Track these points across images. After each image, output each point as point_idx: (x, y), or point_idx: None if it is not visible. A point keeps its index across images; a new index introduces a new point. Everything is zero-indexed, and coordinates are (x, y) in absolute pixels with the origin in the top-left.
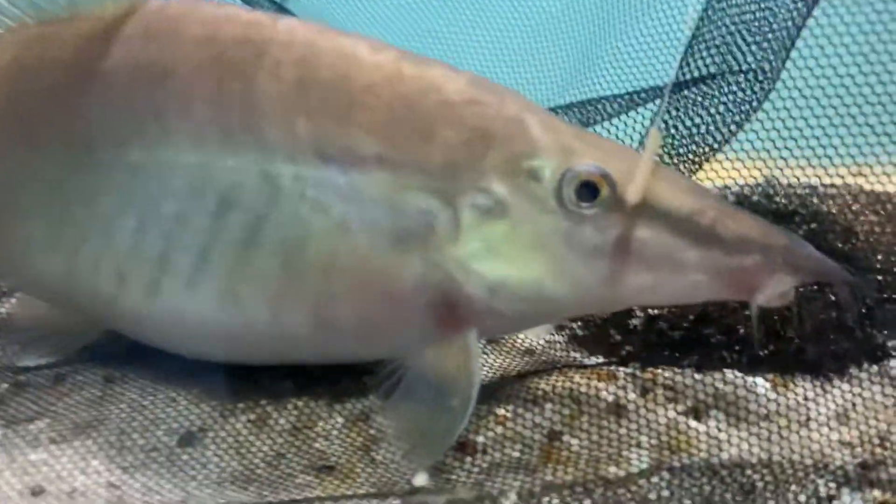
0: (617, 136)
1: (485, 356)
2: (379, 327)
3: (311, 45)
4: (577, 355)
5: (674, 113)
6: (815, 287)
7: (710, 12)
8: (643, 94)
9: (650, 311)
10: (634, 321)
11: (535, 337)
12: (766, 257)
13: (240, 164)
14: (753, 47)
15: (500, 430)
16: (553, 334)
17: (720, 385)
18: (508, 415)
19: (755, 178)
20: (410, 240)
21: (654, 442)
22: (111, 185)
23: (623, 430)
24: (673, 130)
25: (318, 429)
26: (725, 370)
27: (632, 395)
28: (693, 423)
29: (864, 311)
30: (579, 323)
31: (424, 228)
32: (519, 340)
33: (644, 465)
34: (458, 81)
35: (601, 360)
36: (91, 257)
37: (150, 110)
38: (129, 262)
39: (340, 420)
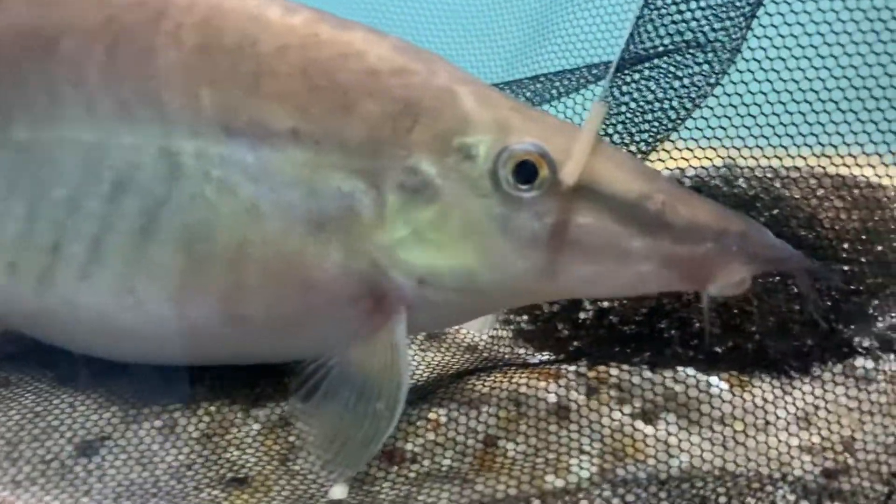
0: (568, 117)
1: (422, 353)
2: (296, 323)
3: (214, 6)
4: (523, 351)
5: (624, 90)
6: (777, 278)
7: None
8: (598, 70)
9: (600, 303)
10: (583, 315)
11: (478, 332)
12: (719, 245)
13: (136, 141)
14: (710, 19)
15: (431, 436)
16: (497, 329)
17: (673, 384)
18: (442, 419)
19: (713, 161)
20: (330, 225)
21: (598, 447)
22: None
23: (565, 435)
24: (623, 109)
25: (230, 436)
26: (680, 368)
27: (576, 396)
28: (642, 427)
29: (828, 304)
30: (526, 317)
31: (345, 212)
32: (461, 336)
33: (586, 474)
34: (382, 47)
35: (547, 357)
36: None
37: (37, 82)
38: (19, 250)
39: (256, 427)
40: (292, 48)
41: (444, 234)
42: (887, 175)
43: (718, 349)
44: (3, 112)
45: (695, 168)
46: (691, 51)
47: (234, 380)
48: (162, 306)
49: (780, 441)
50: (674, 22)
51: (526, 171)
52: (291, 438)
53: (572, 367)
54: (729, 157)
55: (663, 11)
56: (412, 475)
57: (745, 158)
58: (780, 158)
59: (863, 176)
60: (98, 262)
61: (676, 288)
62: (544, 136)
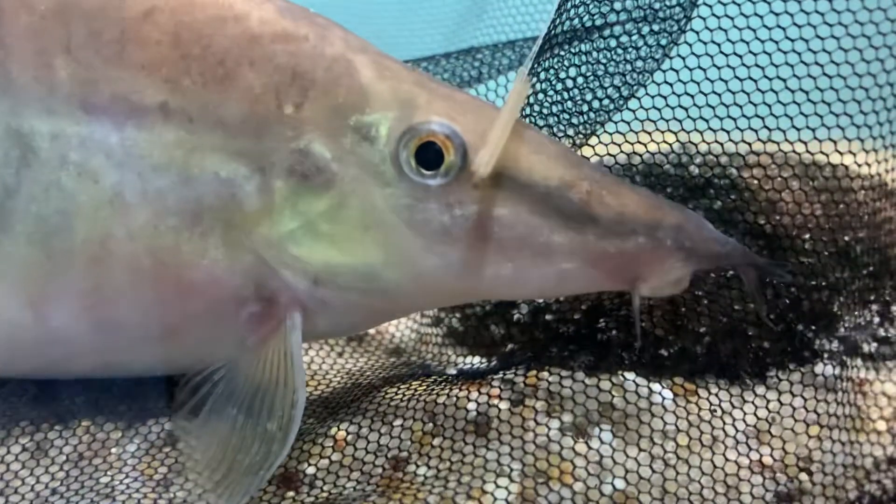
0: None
1: (337, 359)
2: (174, 330)
3: None
4: (453, 354)
5: (557, 68)
6: (731, 273)
7: None
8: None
9: (536, 301)
10: (518, 313)
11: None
12: (651, 239)
13: None
14: None
15: (336, 456)
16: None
17: (611, 393)
18: (348, 437)
19: (669, 144)
20: (208, 216)
21: (520, 467)
22: None
23: (483, 453)
24: (559, 88)
25: (109, 457)
26: (623, 374)
27: (501, 406)
28: (575, 443)
29: (787, 302)
30: (457, 315)
31: (225, 201)
32: (387, 337)
33: (506, 498)
34: (265, 9)
35: (477, 361)
36: None
37: None
38: None
39: (139, 445)
40: (161, 11)
41: (341, 226)
42: (854, 160)
43: (664, 352)
44: None
45: (641, 153)
46: (635, 24)
47: (113, 394)
48: (20, 312)
49: (728, 459)
50: None
51: (432, 156)
52: (174, 460)
53: (501, 373)
54: (689, 140)
55: None
56: (309, 502)
57: (699, 143)
58: (736, 143)
59: (827, 159)
60: None
61: (604, 287)
62: (453, 115)
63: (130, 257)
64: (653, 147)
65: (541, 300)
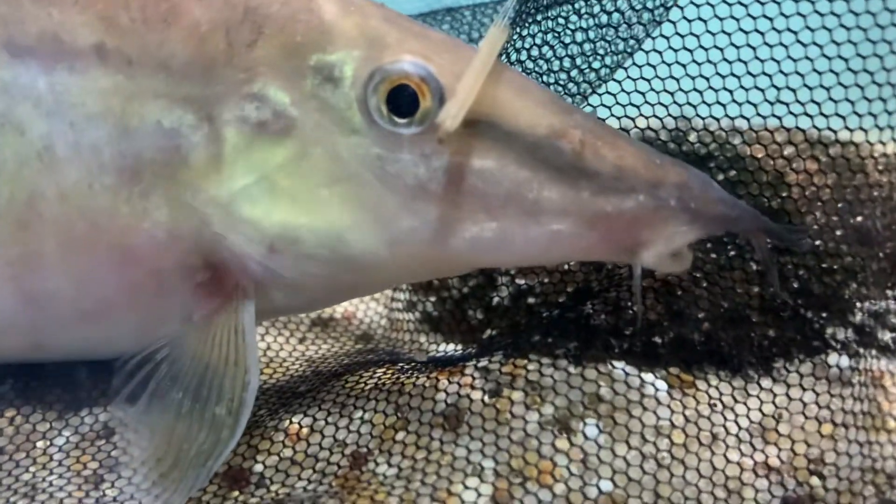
0: None
1: (298, 343)
2: (110, 303)
3: None
4: (427, 341)
5: (546, 32)
6: (732, 252)
7: None
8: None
9: (518, 282)
10: (498, 296)
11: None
12: (653, 198)
13: None
14: None
15: (288, 452)
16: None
17: (600, 383)
18: (304, 430)
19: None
20: (148, 172)
21: (493, 465)
22: None
23: (453, 449)
24: (546, 53)
25: (34, 451)
26: (612, 362)
27: (475, 397)
28: (557, 439)
29: (795, 287)
30: (433, 299)
31: (168, 154)
32: (356, 321)
33: (476, 500)
34: None
35: (452, 348)
36: None
37: None
38: None
39: (69, 437)
40: None
41: (302, 181)
42: (866, 138)
43: (658, 340)
44: None
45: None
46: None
47: (42, 379)
48: None
49: (729, 460)
50: None
51: (406, 100)
52: (107, 454)
53: (477, 360)
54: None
55: None
56: (255, 503)
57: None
58: (733, 118)
59: (835, 136)
60: None
61: (601, 255)
62: (427, 55)
63: (61, 220)
64: (642, 123)
65: (522, 281)
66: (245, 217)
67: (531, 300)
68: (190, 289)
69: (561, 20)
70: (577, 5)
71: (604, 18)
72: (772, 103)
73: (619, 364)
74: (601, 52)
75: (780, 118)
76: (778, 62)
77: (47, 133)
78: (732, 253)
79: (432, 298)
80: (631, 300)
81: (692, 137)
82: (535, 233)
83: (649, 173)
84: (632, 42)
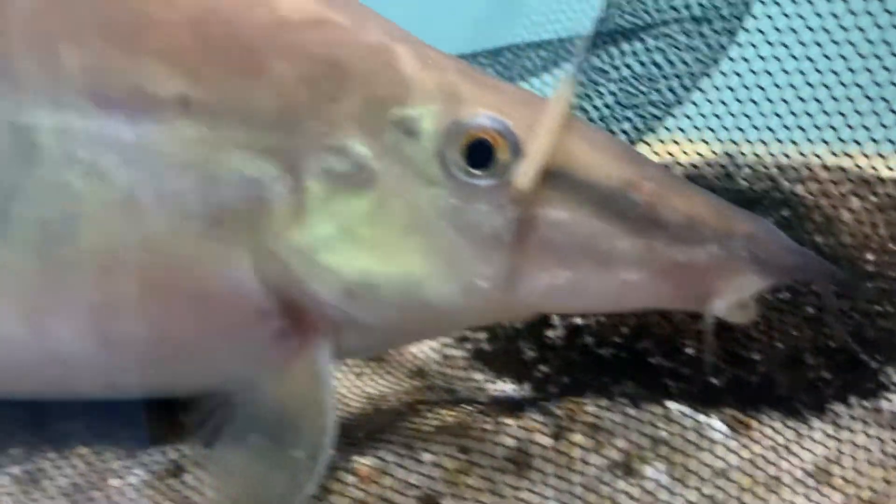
0: None
1: (356, 380)
2: (189, 347)
3: None
4: (481, 376)
5: (606, 70)
6: (788, 295)
7: None
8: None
9: (572, 320)
10: (552, 333)
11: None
12: (724, 250)
13: None
14: None
15: (359, 494)
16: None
17: (661, 425)
18: (373, 471)
19: (713, 153)
20: (232, 220)
21: None
22: None
23: (525, 491)
24: (603, 91)
25: (109, 489)
26: (669, 403)
27: (542, 440)
28: (622, 481)
29: (850, 329)
30: (485, 335)
31: (252, 203)
32: (409, 357)
33: None
34: None
35: (508, 385)
36: None
37: None
38: None
39: (142, 475)
40: None
41: (381, 231)
42: None
43: (716, 381)
44: None
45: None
46: (684, 25)
47: (115, 417)
48: (15, 326)
49: (784, 502)
50: None
51: (482, 153)
52: (186, 492)
53: (537, 401)
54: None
55: None
56: None
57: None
58: (788, 156)
59: (890, 172)
60: None
61: (670, 304)
62: (503, 108)
63: (143, 266)
64: (692, 158)
65: (577, 319)
66: (325, 264)
67: (587, 339)
68: (268, 332)
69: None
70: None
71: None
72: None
73: (677, 405)
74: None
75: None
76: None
77: (132, 182)
78: (787, 296)
79: (485, 334)
80: (700, 347)
81: (742, 174)
82: (607, 282)
83: (720, 224)
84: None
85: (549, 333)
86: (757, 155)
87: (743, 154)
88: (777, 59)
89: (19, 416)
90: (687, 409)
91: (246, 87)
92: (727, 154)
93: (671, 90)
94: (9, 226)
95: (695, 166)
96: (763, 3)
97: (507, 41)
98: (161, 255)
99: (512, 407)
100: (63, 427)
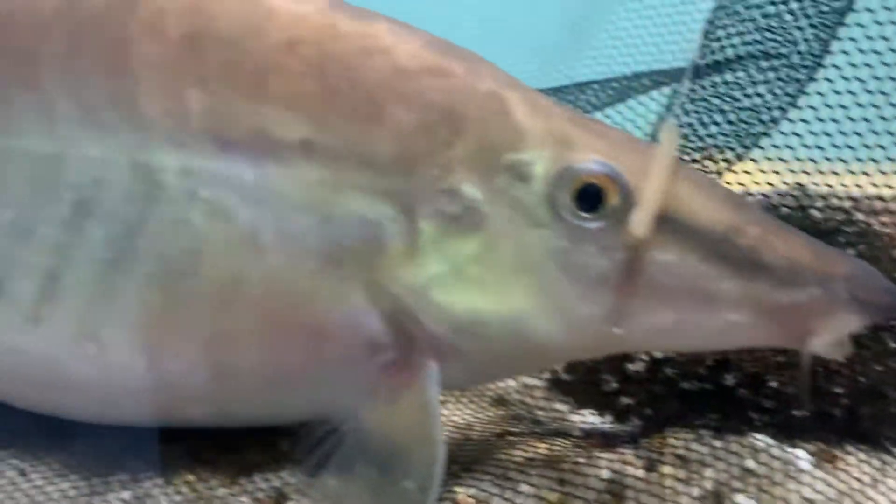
0: None
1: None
2: (301, 377)
3: None
4: (562, 406)
5: (688, 105)
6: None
7: None
8: (644, 80)
9: (655, 353)
10: (634, 365)
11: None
12: (825, 291)
13: (105, 154)
14: (789, 26)
15: None
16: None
17: (748, 456)
18: (475, 501)
19: (784, 183)
20: (349, 258)
21: None
22: None
23: None
24: (687, 128)
25: None
26: (755, 435)
27: (635, 471)
28: None
29: None
30: (564, 365)
31: (369, 243)
32: (489, 386)
33: None
34: (412, 42)
35: (591, 415)
36: None
37: None
38: None
39: (246, 502)
40: (305, 42)
41: (491, 270)
42: None
43: (801, 414)
44: None
45: (756, 192)
46: (767, 61)
47: (219, 443)
48: (131, 355)
49: None
50: (748, 29)
51: (591, 197)
52: None
53: (626, 430)
54: (797, 183)
55: (739, 16)
56: None
57: (816, 185)
58: (860, 186)
59: None
60: (52, 301)
61: (770, 343)
62: (612, 154)
63: (262, 301)
64: (763, 187)
65: (660, 353)
66: (436, 302)
67: (669, 371)
68: (378, 364)
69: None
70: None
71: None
72: None
73: (762, 437)
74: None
75: None
76: None
77: (254, 221)
78: (869, 330)
79: (564, 364)
80: (796, 383)
81: (815, 205)
82: (710, 323)
83: (820, 266)
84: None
85: (630, 366)
86: (829, 185)
87: (815, 184)
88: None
89: (128, 441)
90: (772, 441)
91: (365, 132)
92: (798, 185)
93: (759, 120)
94: (133, 259)
95: (766, 196)
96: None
97: (573, 72)
98: (278, 290)
99: (601, 438)
100: (169, 452)
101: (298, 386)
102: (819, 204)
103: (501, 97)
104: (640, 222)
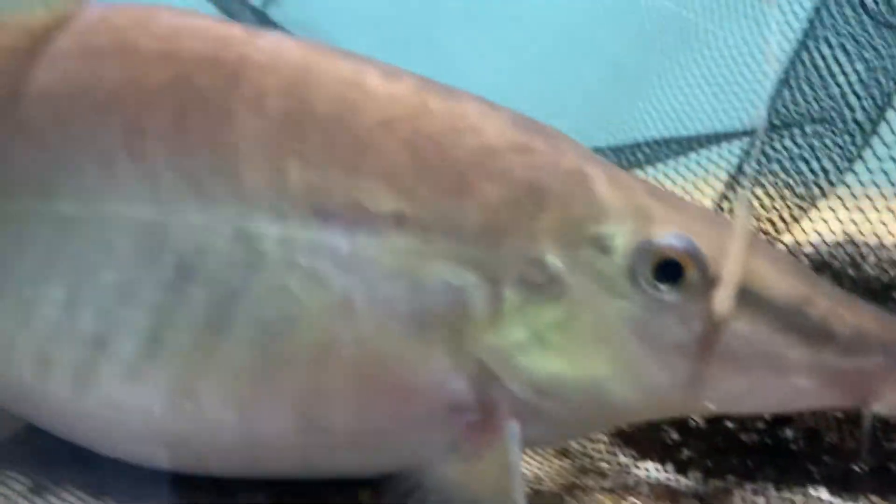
0: None
1: None
2: (387, 434)
3: (303, 69)
4: (624, 458)
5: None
6: None
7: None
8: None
9: None
10: (695, 419)
11: None
12: (889, 357)
13: (208, 222)
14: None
15: None
16: None
17: None
18: None
19: (833, 233)
20: (436, 323)
21: None
22: (33, 244)
23: None
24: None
25: None
26: (814, 487)
27: None
28: None
29: None
30: None
31: (455, 309)
32: None
33: None
34: (499, 120)
35: (653, 466)
36: (3, 333)
37: (89, 149)
38: (53, 342)
39: None
40: (399, 120)
41: (572, 338)
42: None
43: (856, 468)
44: (44, 180)
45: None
46: (827, 125)
47: (297, 492)
48: (226, 412)
49: None
50: (815, 96)
51: (670, 270)
52: None
53: (689, 487)
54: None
55: (809, 81)
56: None
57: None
58: None
59: None
60: (152, 359)
61: (835, 404)
62: (690, 228)
63: (352, 362)
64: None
65: None
66: (519, 365)
67: (729, 424)
68: (461, 423)
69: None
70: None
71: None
72: None
73: (820, 490)
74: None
75: None
76: None
77: (347, 287)
78: None
79: None
80: (856, 439)
81: (868, 261)
82: (778, 389)
83: (885, 335)
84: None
85: (691, 419)
86: (877, 235)
87: (864, 236)
88: None
89: (207, 491)
90: (826, 494)
91: (455, 206)
92: (851, 241)
93: (826, 179)
94: (232, 321)
95: (819, 253)
96: None
97: (623, 120)
98: (369, 352)
99: (667, 493)
100: (245, 502)
101: (383, 442)
102: (874, 258)
103: (584, 172)
104: (722, 299)
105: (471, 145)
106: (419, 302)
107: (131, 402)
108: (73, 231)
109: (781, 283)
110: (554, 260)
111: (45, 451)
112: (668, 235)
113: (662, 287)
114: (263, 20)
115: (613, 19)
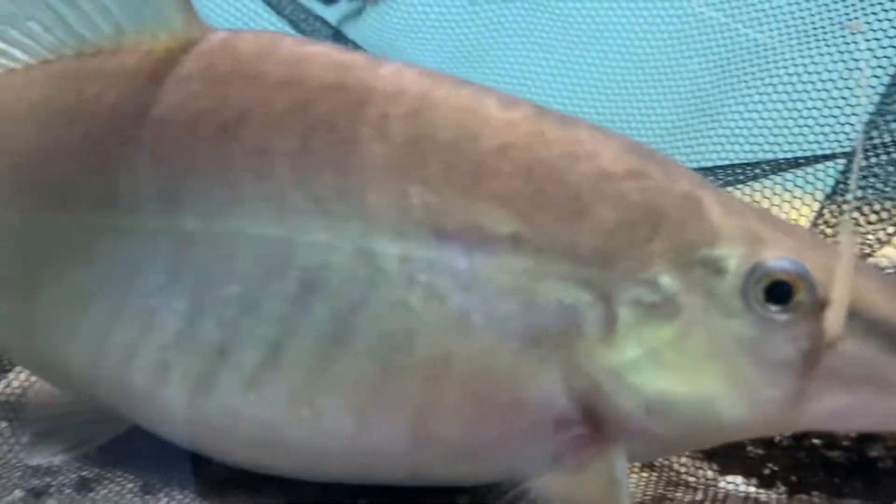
0: None
1: None
2: (495, 445)
3: (424, 97)
4: (708, 472)
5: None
6: None
7: None
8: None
9: None
10: (779, 434)
11: None
12: None
13: (331, 240)
14: None
15: None
16: None
17: None
18: None
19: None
20: (550, 341)
21: None
22: (159, 258)
23: None
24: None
25: None
26: None
27: None
28: None
29: None
30: None
31: (569, 327)
32: None
33: None
34: (613, 147)
35: (739, 480)
36: (126, 341)
37: (215, 169)
38: (174, 351)
39: None
40: (516, 146)
41: (684, 356)
42: None
43: None
44: (170, 198)
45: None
46: None
47: (396, 497)
48: (342, 421)
49: None
50: None
51: (781, 292)
52: None
53: (777, 499)
54: None
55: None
56: None
57: None
58: None
59: None
60: (273, 369)
61: None
62: (799, 251)
63: (466, 376)
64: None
65: None
66: (630, 383)
67: (815, 441)
68: (568, 437)
69: None
70: None
71: None
72: None
73: None
74: None
75: None
76: None
77: (464, 304)
78: None
79: None
80: None
81: None
82: (882, 407)
83: None
84: None
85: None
86: None
87: None
88: None
89: (312, 496)
90: None
91: (570, 229)
92: None
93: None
94: (352, 335)
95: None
96: None
97: (700, 150)
98: (483, 367)
99: None
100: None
101: (490, 453)
102: None
103: (696, 197)
104: (833, 320)
105: (586, 170)
106: (533, 319)
107: (250, 410)
108: (199, 246)
109: (886, 303)
110: (668, 281)
111: (153, 452)
112: (780, 259)
113: (773, 308)
114: (340, 38)
115: (691, 44)
